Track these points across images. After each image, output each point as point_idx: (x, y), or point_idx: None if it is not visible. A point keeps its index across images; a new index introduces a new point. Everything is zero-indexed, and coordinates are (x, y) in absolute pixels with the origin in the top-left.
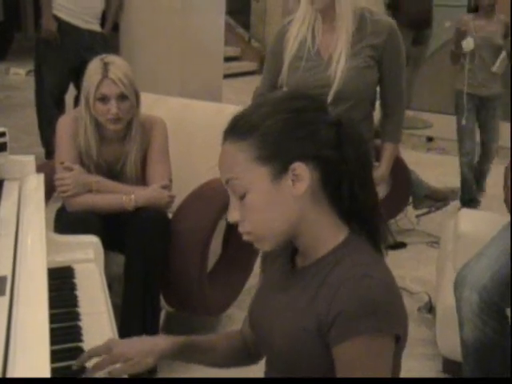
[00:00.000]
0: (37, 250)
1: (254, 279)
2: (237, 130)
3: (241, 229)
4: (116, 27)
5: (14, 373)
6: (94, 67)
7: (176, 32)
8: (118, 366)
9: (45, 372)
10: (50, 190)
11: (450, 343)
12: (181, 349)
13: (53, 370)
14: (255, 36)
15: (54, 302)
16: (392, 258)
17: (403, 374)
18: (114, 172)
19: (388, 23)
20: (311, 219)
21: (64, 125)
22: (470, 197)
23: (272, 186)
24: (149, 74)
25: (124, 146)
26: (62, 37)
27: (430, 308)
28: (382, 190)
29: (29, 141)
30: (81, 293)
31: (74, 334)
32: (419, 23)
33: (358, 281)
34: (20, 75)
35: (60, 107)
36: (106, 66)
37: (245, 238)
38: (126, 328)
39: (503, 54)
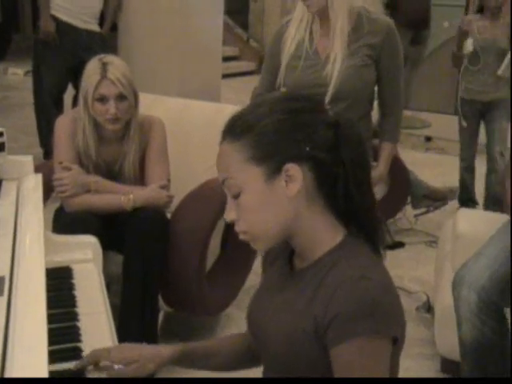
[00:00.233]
0: (35, 250)
1: (252, 279)
2: (233, 129)
3: (237, 228)
4: (114, 27)
5: (12, 373)
6: (92, 67)
7: (174, 32)
8: (117, 367)
9: (43, 372)
10: (48, 190)
11: (449, 343)
12: (180, 357)
13: (51, 371)
14: (253, 36)
15: (52, 302)
16: (390, 258)
17: (401, 374)
18: (112, 172)
19: (386, 22)
20: (306, 220)
21: (62, 125)
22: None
23: (265, 187)
24: (147, 73)
25: (122, 146)
26: (60, 37)
27: (429, 308)
28: (380, 190)
29: (27, 141)
30: (79, 293)
31: (72, 334)
32: (417, 23)
33: (355, 282)
34: (18, 75)
35: (59, 107)
36: (104, 66)
37: (241, 237)
38: (124, 328)
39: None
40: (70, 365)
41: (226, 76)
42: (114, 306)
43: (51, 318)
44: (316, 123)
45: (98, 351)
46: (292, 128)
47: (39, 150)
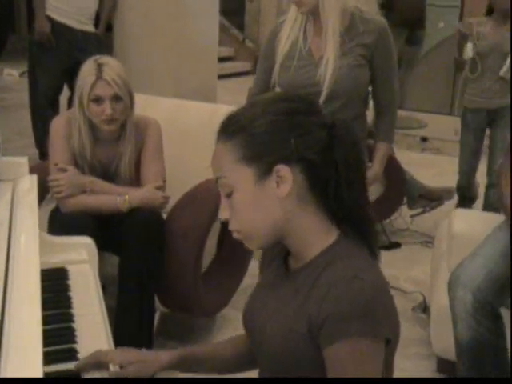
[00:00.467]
0: (30, 251)
1: (248, 279)
2: (226, 129)
3: (230, 227)
4: (110, 28)
5: (6, 374)
6: (87, 68)
7: (170, 32)
8: (116, 367)
9: (37, 373)
10: (43, 191)
11: (445, 343)
12: (179, 363)
13: (46, 372)
14: (249, 36)
15: (47, 304)
16: (386, 258)
17: (397, 374)
18: (108, 173)
19: (379, 22)
20: (299, 221)
21: (58, 126)
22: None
23: (256, 187)
24: (143, 74)
25: (118, 147)
26: (55, 38)
27: (425, 308)
28: (376, 190)
29: (23, 142)
30: (74, 294)
31: (67, 335)
32: (413, 23)
33: (348, 283)
34: (14, 76)
35: (54, 108)
36: (99, 67)
37: (234, 235)
38: (120, 329)
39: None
40: (65, 366)
41: (221, 77)
42: (109, 307)
43: (46, 319)
44: (309, 124)
45: (98, 353)
46: (284, 129)
47: (35, 151)
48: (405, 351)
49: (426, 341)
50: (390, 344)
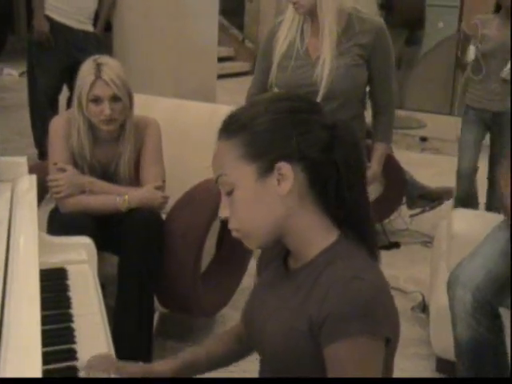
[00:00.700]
0: (29, 251)
1: (248, 279)
2: (228, 128)
3: (230, 225)
4: (110, 27)
5: (5, 375)
6: (86, 68)
7: (170, 32)
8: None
9: (37, 374)
10: (42, 191)
11: (444, 343)
12: (179, 371)
13: (45, 372)
14: (249, 36)
15: (46, 304)
16: (386, 258)
17: (397, 374)
18: (107, 173)
19: (376, 22)
20: (299, 219)
21: (57, 126)
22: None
23: (258, 185)
24: (142, 74)
25: (117, 147)
26: (54, 37)
27: (424, 307)
28: (375, 190)
29: (22, 142)
30: (74, 294)
31: (66, 335)
32: (412, 23)
33: (348, 283)
34: (13, 76)
35: (53, 108)
36: (98, 66)
37: (233, 234)
38: (119, 329)
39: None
40: (64, 366)
41: (221, 77)
42: (108, 307)
43: (45, 320)
44: (311, 123)
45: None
46: (286, 127)
47: (34, 151)
48: (404, 351)
49: (426, 341)
50: (390, 344)
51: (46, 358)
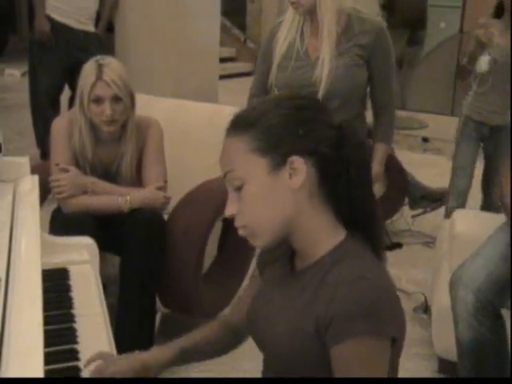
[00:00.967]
0: (31, 251)
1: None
2: (238, 124)
3: (236, 223)
4: (112, 28)
5: (7, 375)
6: (88, 69)
7: (171, 33)
8: None
9: (38, 374)
10: (44, 192)
11: (446, 343)
12: (178, 357)
13: (47, 372)
14: (251, 37)
15: (48, 304)
16: (388, 259)
17: (399, 374)
18: (109, 173)
19: (376, 23)
20: (307, 217)
21: (59, 126)
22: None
23: (269, 178)
24: (144, 74)
25: (119, 147)
26: (55, 37)
27: (426, 308)
28: (377, 191)
29: (24, 142)
30: (76, 294)
31: (68, 335)
32: (414, 24)
33: (354, 282)
34: (15, 76)
35: (55, 108)
36: (100, 67)
37: (240, 232)
38: (121, 330)
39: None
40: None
41: (222, 77)
42: (110, 308)
43: (47, 320)
44: (319, 121)
45: (99, 366)
46: (297, 122)
47: (36, 152)
48: (406, 351)
49: (428, 341)
50: (396, 343)
51: (48, 359)
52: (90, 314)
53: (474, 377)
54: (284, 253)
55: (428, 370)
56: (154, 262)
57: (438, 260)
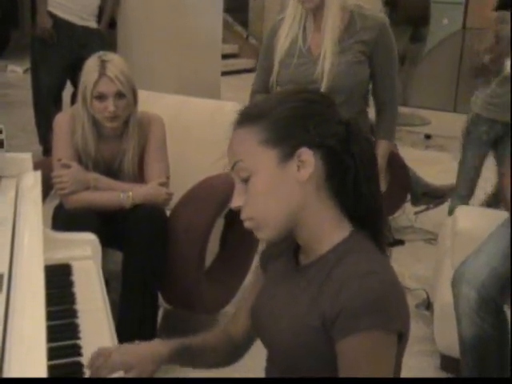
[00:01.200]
0: (34, 247)
1: (251, 277)
2: (248, 115)
3: (243, 215)
4: (114, 24)
5: (10, 370)
6: (91, 65)
7: (174, 29)
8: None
9: (41, 369)
10: (47, 188)
11: (448, 340)
12: (179, 353)
13: (50, 368)
14: (253, 33)
15: (51, 300)
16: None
17: (401, 371)
18: (111, 169)
19: (379, 19)
20: (313, 210)
21: (61, 122)
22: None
23: (277, 170)
24: (146, 71)
25: (122, 144)
26: (57, 34)
27: (428, 305)
28: None
29: (26, 138)
30: (78, 290)
31: (71, 331)
32: (417, 20)
33: (362, 277)
34: (17, 73)
35: (57, 105)
36: (103, 63)
37: (246, 224)
38: (123, 325)
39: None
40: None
41: (225, 73)
42: (113, 304)
43: (50, 315)
44: (328, 115)
45: (99, 355)
46: (306, 115)
47: (38, 148)
48: (408, 348)
49: (430, 338)
50: (402, 339)
51: (51, 354)
52: (93, 310)
53: (476, 374)
54: (288, 247)
55: (430, 367)
56: (156, 258)
57: (441, 257)
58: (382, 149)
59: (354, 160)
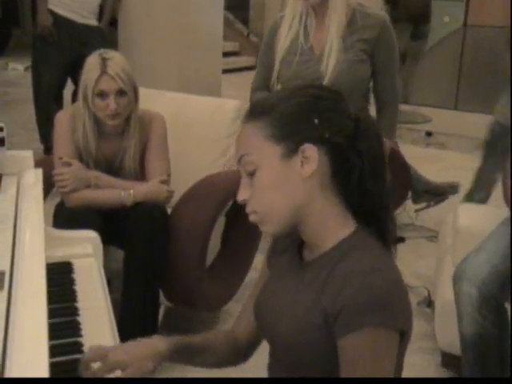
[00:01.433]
0: (35, 244)
1: (253, 274)
2: (255, 110)
3: (248, 208)
4: (115, 22)
5: (11, 368)
6: (92, 62)
7: (175, 27)
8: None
9: (43, 367)
10: (48, 186)
11: (449, 337)
12: (179, 350)
13: (52, 365)
14: (254, 31)
15: (52, 297)
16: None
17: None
18: (112, 167)
19: (380, 17)
20: (317, 206)
21: (62, 120)
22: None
23: (281, 165)
24: (147, 68)
25: (123, 141)
26: (57, 31)
27: (429, 302)
28: None
29: (27, 136)
30: (80, 288)
31: (72, 329)
32: (418, 18)
33: (365, 274)
34: (18, 71)
35: (58, 103)
36: (104, 61)
37: (251, 218)
38: (125, 323)
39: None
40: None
41: (225, 71)
42: (114, 301)
43: (51, 313)
44: (336, 111)
45: (97, 353)
46: (312, 111)
47: (39, 146)
48: (409, 345)
49: (431, 335)
50: (405, 337)
51: (52, 351)
52: (94, 308)
53: (477, 371)
54: (293, 243)
55: (431, 364)
56: (158, 256)
57: (442, 254)
58: None
59: (361, 157)
